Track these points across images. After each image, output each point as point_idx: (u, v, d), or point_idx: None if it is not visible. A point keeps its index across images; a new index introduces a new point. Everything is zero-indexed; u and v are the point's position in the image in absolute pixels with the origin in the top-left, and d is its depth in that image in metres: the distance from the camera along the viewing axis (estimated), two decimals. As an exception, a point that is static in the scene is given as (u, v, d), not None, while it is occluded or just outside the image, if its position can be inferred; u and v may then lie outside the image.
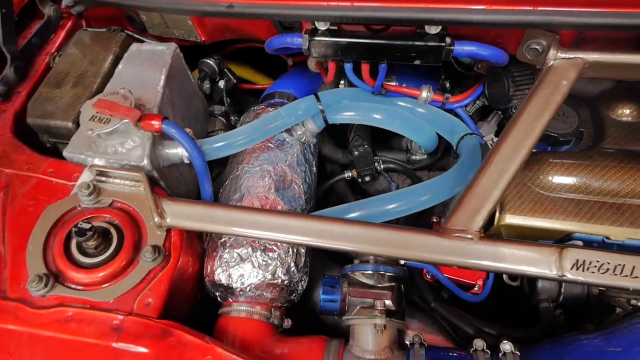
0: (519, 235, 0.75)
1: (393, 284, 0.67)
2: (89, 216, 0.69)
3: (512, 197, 0.73)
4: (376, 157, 0.96)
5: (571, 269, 0.57)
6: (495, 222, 0.73)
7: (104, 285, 0.65)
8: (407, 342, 0.65)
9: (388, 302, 0.64)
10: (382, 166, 0.96)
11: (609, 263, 0.56)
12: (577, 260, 0.57)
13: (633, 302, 0.64)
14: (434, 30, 0.70)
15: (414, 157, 0.96)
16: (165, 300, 0.65)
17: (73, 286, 0.65)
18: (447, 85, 0.93)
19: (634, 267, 0.55)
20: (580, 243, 0.70)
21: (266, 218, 0.65)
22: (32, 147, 0.80)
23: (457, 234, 0.60)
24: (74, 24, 0.93)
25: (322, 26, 0.73)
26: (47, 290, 0.63)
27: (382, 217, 0.70)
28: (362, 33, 0.74)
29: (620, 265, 0.55)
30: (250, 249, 0.71)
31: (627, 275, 0.55)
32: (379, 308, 0.64)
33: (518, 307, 0.79)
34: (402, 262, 0.72)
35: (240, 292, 0.70)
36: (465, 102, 0.85)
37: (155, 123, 0.71)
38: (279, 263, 0.70)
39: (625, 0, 0.62)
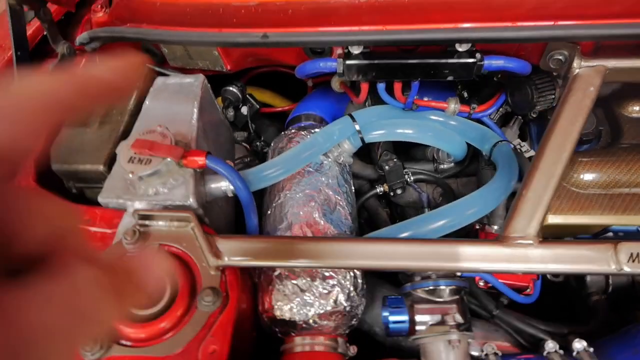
0: (556, 234, 0.79)
1: (457, 296, 0.68)
2: (138, 264, 0.66)
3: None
4: (405, 170, 0.98)
5: (627, 262, 0.60)
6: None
7: (163, 338, 0.62)
8: (478, 353, 0.67)
9: (457, 316, 0.66)
10: (412, 178, 0.97)
11: (663, 254, 0.60)
12: (632, 254, 0.60)
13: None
14: (464, 47, 0.73)
15: (441, 166, 0.98)
16: (231, 345, 0.63)
17: (130, 344, 0.60)
18: (465, 95, 0.97)
19: (686, 255, 0.59)
20: (610, 234, 0.76)
21: (324, 246, 0.65)
22: (58, 194, 0.77)
23: (518, 241, 0.63)
24: (88, 61, 0.90)
25: (355, 50, 0.75)
26: (103, 352, 0.58)
27: (432, 235, 0.72)
28: (394, 54, 0.76)
29: (674, 254, 0.59)
30: (308, 278, 0.70)
31: (682, 264, 0.59)
32: (450, 323, 0.65)
33: (564, 303, 0.83)
34: (458, 273, 0.74)
35: (304, 325, 0.69)
36: (490, 111, 0.88)
37: (200, 159, 0.70)
38: (339, 289, 0.70)
39: (634, 11, 0.67)
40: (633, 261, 0.60)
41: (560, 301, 0.84)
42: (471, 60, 0.73)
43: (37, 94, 0.22)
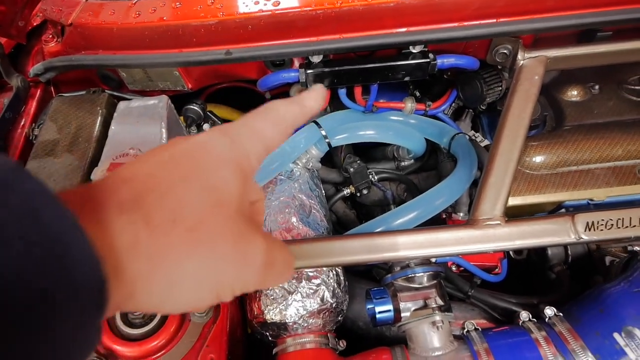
0: (516, 214, 0.84)
1: (435, 281, 0.72)
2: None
3: (509, 181, 0.83)
4: (369, 170, 1.02)
5: (585, 231, 0.66)
6: (501, 206, 0.82)
7: (160, 354, 0.63)
8: (461, 331, 0.71)
9: (438, 299, 0.69)
10: (376, 177, 1.01)
11: (611, 219, 0.66)
12: (587, 223, 0.67)
13: (629, 248, 0.76)
14: (417, 48, 0.78)
15: (402, 163, 1.03)
16: (227, 352, 0.64)
17: (129, 363, 0.62)
18: (417, 94, 1.02)
19: (630, 218, 0.66)
20: (563, 210, 0.83)
21: (307, 247, 0.67)
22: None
23: (487, 222, 0.68)
24: (43, 92, 0.88)
25: (315, 59, 0.78)
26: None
27: (406, 227, 0.76)
28: (352, 60, 0.80)
29: (620, 219, 0.66)
30: (294, 280, 0.72)
31: (627, 227, 0.66)
32: (432, 306, 0.68)
33: (527, 278, 0.89)
34: (433, 259, 0.78)
35: (295, 326, 0.71)
36: (444, 107, 0.94)
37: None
38: (324, 287, 0.73)
39: (566, 4, 0.75)
40: (589, 230, 0.67)
41: (523, 277, 0.90)
42: (425, 60, 0.78)
43: None
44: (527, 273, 0.92)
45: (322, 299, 0.72)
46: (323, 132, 0.86)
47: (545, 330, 0.64)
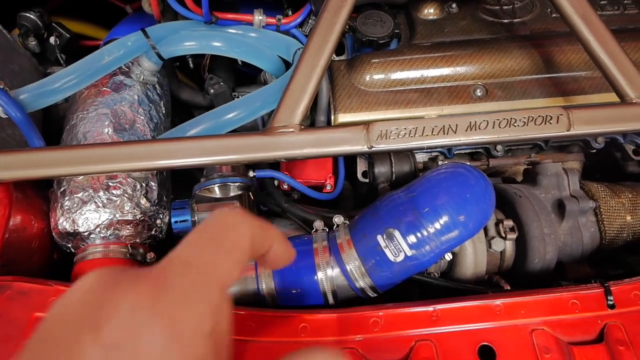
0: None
1: (240, 192, 0.71)
2: None
3: (342, 98, 0.80)
4: (235, 93, 0.98)
5: (377, 139, 0.64)
6: (332, 123, 0.79)
7: None
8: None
9: (237, 208, 0.68)
10: (240, 102, 0.97)
11: (405, 129, 0.64)
12: (381, 132, 0.64)
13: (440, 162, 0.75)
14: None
15: (269, 87, 0.99)
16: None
17: None
18: (290, 12, 0.96)
19: (424, 127, 0.64)
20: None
21: (95, 151, 0.64)
22: None
23: (280, 130, 0.65)
24: None
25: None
26: None
27: (226, 127, 0.73)
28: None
29: (413, 128, 0.64)
30: (91, 190, 0.70)
31: (420, 135, 0.64)
32: (225, 214, 0.67)
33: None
34: (251, 174, 0.76)
35: (91, 236, 0.69)
36: (298, 21, 0.89)
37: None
38: (125, 199, 0.70)
39: None
40: (382, 138, 0.65)
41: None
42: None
43: None
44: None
45: (122, 210, 0.70)
46: (150, 42, 0.80)
47: (328, 240, 0.64)
